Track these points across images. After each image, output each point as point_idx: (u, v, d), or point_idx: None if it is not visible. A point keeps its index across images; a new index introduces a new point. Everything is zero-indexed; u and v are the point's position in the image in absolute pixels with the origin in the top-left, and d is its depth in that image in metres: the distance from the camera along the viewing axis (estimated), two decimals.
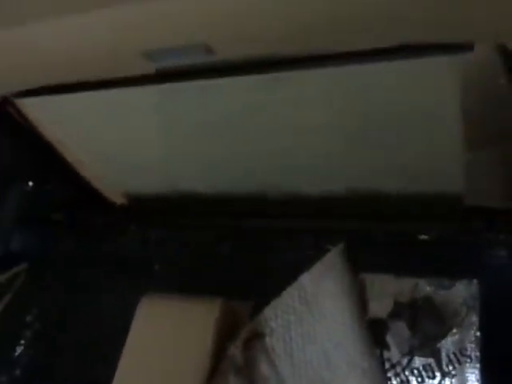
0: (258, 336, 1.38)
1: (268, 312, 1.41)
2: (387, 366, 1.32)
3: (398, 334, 1.35)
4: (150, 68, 1.34)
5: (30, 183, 2.09)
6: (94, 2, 1.05)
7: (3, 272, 1.95)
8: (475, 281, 1.34)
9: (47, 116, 1.73)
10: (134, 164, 1.83)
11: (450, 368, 1.27)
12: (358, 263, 1.45)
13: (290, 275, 1.48)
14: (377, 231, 1.51)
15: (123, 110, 1.57)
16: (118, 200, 2.11)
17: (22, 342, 1.73)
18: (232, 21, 1.07)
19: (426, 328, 1.33)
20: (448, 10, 0.95)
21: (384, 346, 1.34)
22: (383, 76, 1.21)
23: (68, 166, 2.06)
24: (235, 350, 1.32)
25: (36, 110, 1.72)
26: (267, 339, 1.38)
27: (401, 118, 1.29)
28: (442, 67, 1.13)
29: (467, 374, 1.26)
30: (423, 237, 1.48)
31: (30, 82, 1.55)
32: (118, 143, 1.76)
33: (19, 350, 1.72)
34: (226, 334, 1.34)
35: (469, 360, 1.26)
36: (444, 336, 1.30)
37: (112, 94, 1.47)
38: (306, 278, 1.43)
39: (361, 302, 1.40)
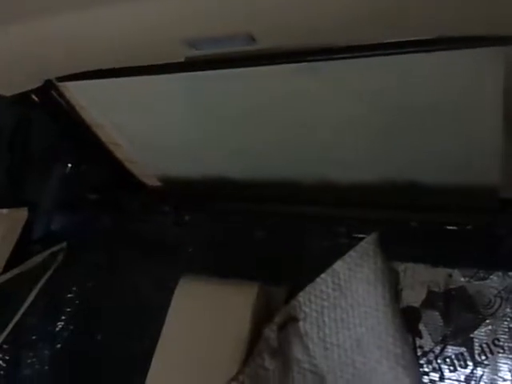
0: (292, 320, 1.42)
1: (302, 297, 1.44)
2: (419, 353, 1.35)
3: (431, 323, 1.37)
4: (191, 55, 1.36)
5: (69, 165, 2.16)
6: None
7: (44, 251, 2.02)
8: (510, 273, 1.34)
9: (88, 100, 1.77)
10: (169, 148, 1.86)
11: (483, 358, 1.29)
12: (392, 252, 1.46)
13: (324, 262, 1.51)
14: (412, 221, 1.52)
15: (161, 96, 1.60)
16: (151, 182, 2.16)
17: (63, 317, 1.80)
18: (275, 11, 1.08)
19: (459, 318, 1.34)
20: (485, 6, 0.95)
21: (417, 333, 1.36)
22: (423, 66, 1.21)
23: (104, 149, 2.11)
24: (270, 333, 1.36)
25: (77, 93, 1.76)
26: (301, 323, 1.42)
27: (441, 109, 1.29)
28: (485, 58, 1.13)
29: (500, 364, 1.27)
30: (458, 227, 1.48)
31: (73, 68, 1.59)
32: (154, 128, 1.79)
33: (60, 325, 1.79)
34: (262, 319, 1.38)
35: (501, 350, 1.28)
36: (477, 326, 1.32)
37: (151, 79, 1.50)
38: (339, 265, 1.46)
39: (394, 289, 1.42)
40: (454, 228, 1.49)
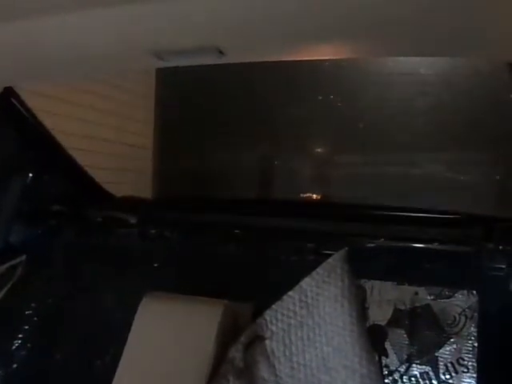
0: (258, 339, 1.39)
1: (269, 315, 1.42)
2: (385, 372, 1.34)
3: (397, 341, 1.36)
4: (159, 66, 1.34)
5: (30, 175, 2.09)
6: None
7: (1, 264, 1.94)
8: (475, 292, 1.35)
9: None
10: None
11: (447, 377, 1.29)
12: (359, 269, 1.46)
13: (292, 278, 1.49)
14: (379, 238, 1.52)
15: None
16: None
17: (20, 335, 1.72)
18: (241, 25, 1.08)
19: (424, 336, 1.35)
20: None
21: (383, 352, 1.36)
22: None
23: (67, 157, 2.06)
24: (236, 353, 1.33)
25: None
26: (267, 342, 1.39)
27: None
28: None
29: None
30: (424, 245, 1.49)
31: (36, 75, 1.54)
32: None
33: (17, 343, 1.71)
34: (227, 337, 1.35)
35: (466, 369, 1.28)
36: (442, 345, 1.32)
37: None
38: (306, 282, 1.45)
39: (361, 307, 1.41)
40: (420, 246, 1.49)
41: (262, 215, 1.78)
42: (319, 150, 3.01)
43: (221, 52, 1.18)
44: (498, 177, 2.46)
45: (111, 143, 3.17)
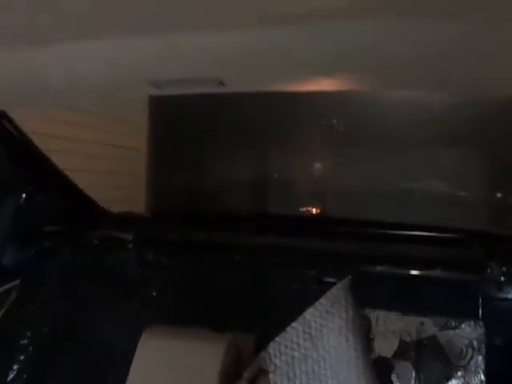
0: (262, 373, 1.36)
1: (272, 348, 1.39)
2: None
3: (403, 374, 1.34)
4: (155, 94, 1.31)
5: (23, 195, 2.04)
6: (104, 29, 1.01)
7: None
8: (481, 323, 1.33)
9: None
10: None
11: None
12: (363, 298, 1.43)
13: (294, 306, 1.47)
14: (380, 263, 1.50)
15: None
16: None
17: (15, 366, 1.67)
18: (244, 58, 1.05)
19: (431, 369, 1.32)
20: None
21: None
22: None
23: (61, 176, 2.02)
24: None
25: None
26: (271, 376, 1.36)
27: None
28: None
29: None
30: (427, 272, 1.47)
31: (29, 101, 1.51)
32: None
33: (12, 374, 1.67)
34: (230, 374, 1.32)
35: None
36: (449, 378, 1.30)
37: None
38: (310, 313, 1.42)
39: (366, 339, 1.39)
40: (424, 272, 1.47)
41: (261, 233, 1.75)
42: (316, 163, 3.00)
43: (222, 83, 1.15)
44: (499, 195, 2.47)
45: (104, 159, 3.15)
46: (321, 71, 1.10)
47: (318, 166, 3.02)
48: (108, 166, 3.28)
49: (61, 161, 1.99)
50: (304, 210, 2.90)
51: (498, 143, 2.45)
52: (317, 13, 0.84)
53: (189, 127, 3.02)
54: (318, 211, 2.87)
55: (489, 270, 1.42)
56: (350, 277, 1.46)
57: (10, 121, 1.71)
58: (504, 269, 1.42)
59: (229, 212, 2.25)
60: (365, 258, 1.58)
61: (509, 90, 1.09)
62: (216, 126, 2.94)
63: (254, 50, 1.00)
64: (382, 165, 2.65)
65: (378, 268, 1.52)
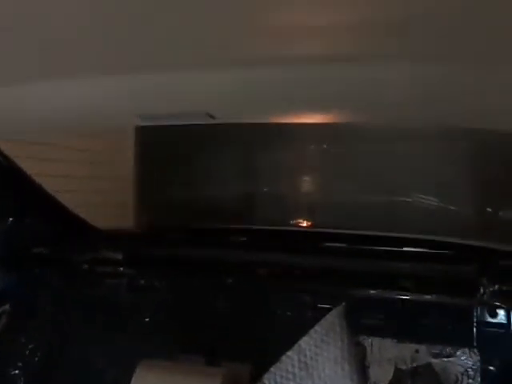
0: None
1: (267, 379, 1.38)
2: None
3: None
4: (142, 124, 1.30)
5: (10, 219, 2.01)
6: (91, 66, 1.00)
7: None
8: (476, 350, 1.33)
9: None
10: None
11: None
12: (358, 325, 1.43)
13: (289, 332, 1.46)
14: (376, 292, 1.49)
15: None
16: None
17: None
18: (235, 94, 1.05)
19: None
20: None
21: None
22: None
23: (49, 198, 1.99)
24: None
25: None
26: None
27: None
28: None
29: None
30: (422, 297, 1.46)
31: (15, 132, 1.49)
32: None
33: None
34: None
35: None
36: None
37: None
38: (305, 341, 1.41)
39: (361, 367, 1.38)
40: (418, 298, 1.47)
41: (252, 249, 1.74)
42: (306, 177, 3.00)
43: (211, 116, 1.15)
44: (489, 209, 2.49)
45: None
46: (309, 108, 1.11)
47: (307, 179, 3.03)
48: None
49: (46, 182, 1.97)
50: (294, 223, 2.90)
51: (489, 159, 2.47)
52: (304, 57, 0.84)
53: (177, 144, 3.00)
54: (309, 224, 2.88)
55: (481, 290, 1.42)
56: (344, 303, 1.45)
57: None
58: (496, 287, 1.43)
59: (218, 228, 2.23)
60: (357, 277, 1.57)
61: (496, 124, 1.10)
62: (204, 140, 2.93)
63: (243, 86, 1.00)
64: (372, 177, 2.67)
65: (371, 292, 1.51)
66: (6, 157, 1.75)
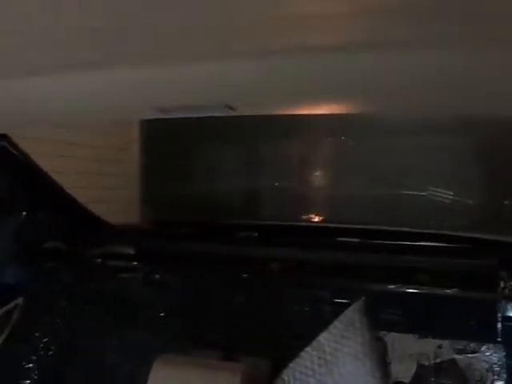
0: None
1: (286, 375, 1.35)
2: None
3: None
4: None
5: (24, 213, 2.00)
6: (110, 56, 0.97)
7: None
8: (501, 346, 1.30)
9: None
10: None
11: None
12: (378, 321, 1.40)
13: (306, 328, 1.43)
14: (397, 285, 1.46)
15: None
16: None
17: None
18: (255, 85, 1.03)
19: None
20: None
21: None
22: None
23: (63, 194, 1.98)
24: None
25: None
26: None
27: None
28: None
29: None
30: (442, 291, 1.43)
31: (32, 124, 1.48)
32: None
33: None
34: None
35: None
36: None
37: None
38: (324, 337, 1.38)
39: (383, 363, 1.35)
40: (439, 291, 1.43)
41: (266, 244, 1.71)
42: (317, 172, 2.96)
43: (230, 108, 1.12)
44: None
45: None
46: (329, 98, 1.09)
47: (318, 173, 2.99)
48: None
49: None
50: (306, 218, 2.87)
51: (506, 150, 2.42)
52: (325, 46, 0.82)
53: (183, 138, 2.98)
54: (321, 219, 2.84)
55: (502, 284, 1.39)
56: (363, 298, 1.42)
57: (10, 141, 1.68)
58: None
59: (229, 223, 2.21)
60: (373, 272, 1.54)
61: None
62: (214, 133, 2.90)
63: (265, 76, 0.97)
64: (384, 172, 2.62)
65: (389, 287, 1.48)
66: (22, 152, 1.74)
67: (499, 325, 1.33)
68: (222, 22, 0.77)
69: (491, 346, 1.31)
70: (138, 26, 0.80)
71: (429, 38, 0.75)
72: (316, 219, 2.93)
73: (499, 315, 1.33)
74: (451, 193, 2.63)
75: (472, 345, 1.32)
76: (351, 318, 1.38)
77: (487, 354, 1.30)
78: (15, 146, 1.67)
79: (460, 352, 1.33)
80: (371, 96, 1.04)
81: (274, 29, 0.79)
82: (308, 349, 1.37)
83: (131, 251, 1.91)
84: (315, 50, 0.83)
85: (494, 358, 1.29)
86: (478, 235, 1.72)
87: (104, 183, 3.37)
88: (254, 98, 1.10)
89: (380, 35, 0.76)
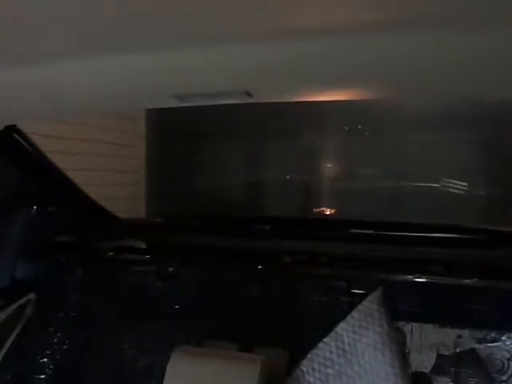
0: None
1: (305, 365, 1.34)
2: None
3: None
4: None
5: (34, 207, 1.99)
6: (128, 42, 0.96)
7: (9, 304, 1.83)
8: None
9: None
10: None
11: None
12: (396, 311, 1.38)
13: (324, 319, 1.42)
14: (415, 275, 1.44)
15: None
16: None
17: None
18: (274, 69, 1.01)
19: None
20: None
21: None
22: None
23: (74, 188, 1.97)
24: None
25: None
26: None
27: None
28: None
29: None
30: (461, 281, 1.41)
31: (45, 115, 1.46)
32: None
33: None
34: None
35: None
36: None
37: None
38: (342, 328, 1.37)
39: (402, 353, 1.34)
40: (458, 281, 1.41)
41: (280, 237, 1.70)
42: (329, 163, 2.94)
43: (249, 94, 1.11)
44: None
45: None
46: (348, 83, 1.07)
47: (330, 165, 2.97)
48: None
49: None
50: (318, 210, 2.85)
51: None
52: (342, 27, 0.80)
53: (189, 132, 2.96)
54: (334, 212, 2.82)
55: None
56: (381, 288, 1.40)
57: (21, 133, 1.67)
58: None
59: (240, 216, 2.19)
60: (389, 263, 1.52)
61: None
62: (220, 128, 2.89)
63: (283, 61, 0.96)
64: (399, 163, 2.61)
65: (406, 277, 1.46)
66: (33, 146, 1.73)
67: None
68: (243, 4, 0.76)
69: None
70: (160, 11, 0.79)
71: (444, 19, 0.74)
72: (328, 212, 2.92)
73: None
74: (464, 184, 2.62)
75: (492, 334, 1.31)
76: (369, 308, 1.37)
77: (508, 343, 1.29)
78: (26, 139, 1.66)
79: (480, 341, 1.31)
80: (395, 79, 1.02)
81: (297, 11, 0.78)
82: (326, 339, 1.36)
83: (143, 245, 1.90)
84: (339, 32, 0.82)
85: None
86: (495, 227, 1.71)
87: (110, 179, 3.37)
88: (274, 84, 1.08)
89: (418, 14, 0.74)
